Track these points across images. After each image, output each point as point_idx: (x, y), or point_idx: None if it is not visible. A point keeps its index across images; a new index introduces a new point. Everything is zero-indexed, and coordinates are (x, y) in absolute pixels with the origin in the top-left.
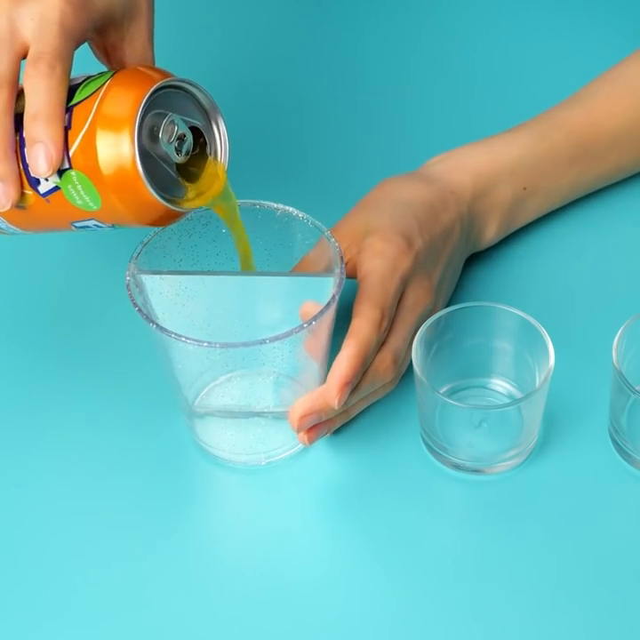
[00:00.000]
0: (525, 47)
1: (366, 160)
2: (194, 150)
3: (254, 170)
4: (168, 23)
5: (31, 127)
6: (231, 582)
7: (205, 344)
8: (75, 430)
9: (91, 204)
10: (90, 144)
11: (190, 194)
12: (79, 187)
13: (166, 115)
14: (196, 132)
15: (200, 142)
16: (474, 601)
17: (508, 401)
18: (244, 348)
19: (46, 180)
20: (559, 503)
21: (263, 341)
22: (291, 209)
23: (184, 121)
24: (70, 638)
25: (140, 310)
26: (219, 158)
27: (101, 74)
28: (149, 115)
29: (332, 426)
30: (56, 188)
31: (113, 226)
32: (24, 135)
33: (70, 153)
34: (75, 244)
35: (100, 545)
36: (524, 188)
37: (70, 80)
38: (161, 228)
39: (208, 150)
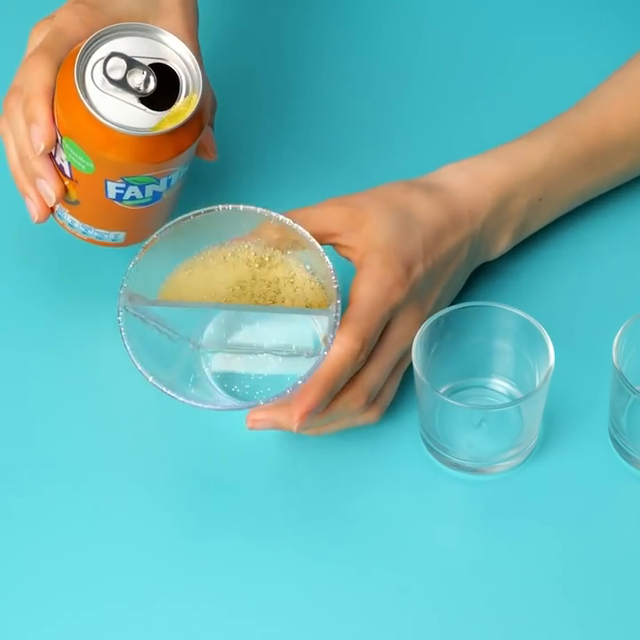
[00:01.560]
0: (531, 46)
1: (372, 162)
2: (163, 84)
3: (256, 171)
4: None
5: (25, 110)
6: (231, 580)
7: (207, 407)
8: (74, 427)
9: (88, 163)
10: (58, 107)
11: (166, 118)
12: (72, 151)
13: (110, 57)
14: (166, 69)
15: (172, 75)
16: (474, 600)
17: (507, 401)
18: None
19: (63, 162)
20: (559, 503)
21: (256, 403)
22: (279, 216)
23: (143, 59)
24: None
25: (134, 362)
26: (186, 77)
27: None
28: (96, 61)
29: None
30: (70, 165)
31: (138, 183)
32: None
33: (56, 124)
34: (76, 243)
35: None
36: (540, 199)
37: None
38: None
39: (178, 76)
